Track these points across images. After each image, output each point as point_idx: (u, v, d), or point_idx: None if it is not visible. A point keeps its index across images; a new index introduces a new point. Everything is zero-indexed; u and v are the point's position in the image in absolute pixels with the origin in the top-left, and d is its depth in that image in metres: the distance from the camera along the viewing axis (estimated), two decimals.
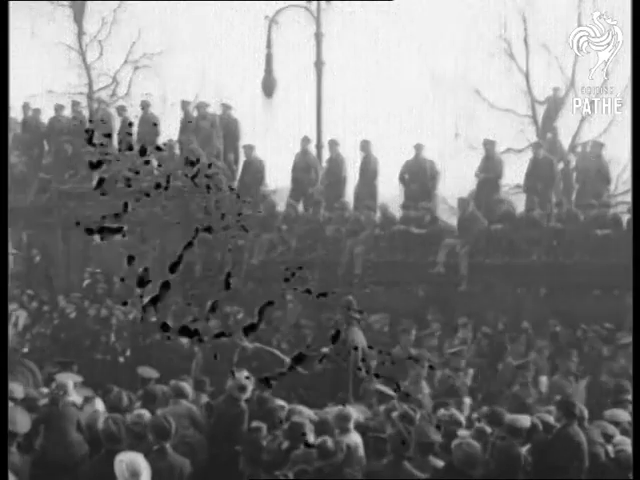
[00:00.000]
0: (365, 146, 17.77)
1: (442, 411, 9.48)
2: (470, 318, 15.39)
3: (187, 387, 9.90)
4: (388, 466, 7.77)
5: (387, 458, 7.86)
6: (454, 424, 9.00)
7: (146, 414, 8.74)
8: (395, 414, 8.81)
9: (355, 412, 8.91)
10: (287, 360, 11.91)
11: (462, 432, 8.79)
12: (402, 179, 17.61)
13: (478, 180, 17.22)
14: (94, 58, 26.20)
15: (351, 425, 8.54)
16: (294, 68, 20.42)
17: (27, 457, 8.11)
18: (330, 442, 8.08)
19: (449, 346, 13.93)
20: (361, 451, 8.34)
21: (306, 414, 9.20)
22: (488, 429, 8.68)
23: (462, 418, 9.22)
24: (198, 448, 9.12)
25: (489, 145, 17.42)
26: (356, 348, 11.43)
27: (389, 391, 10.09)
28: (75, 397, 9.43)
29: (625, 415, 9.46)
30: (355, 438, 8.38)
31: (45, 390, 10.17)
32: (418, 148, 17.40)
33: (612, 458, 8.45)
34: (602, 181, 16.90)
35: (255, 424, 8.98)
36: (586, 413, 9.09)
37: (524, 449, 8.55)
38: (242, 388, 9.32)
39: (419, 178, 17.36)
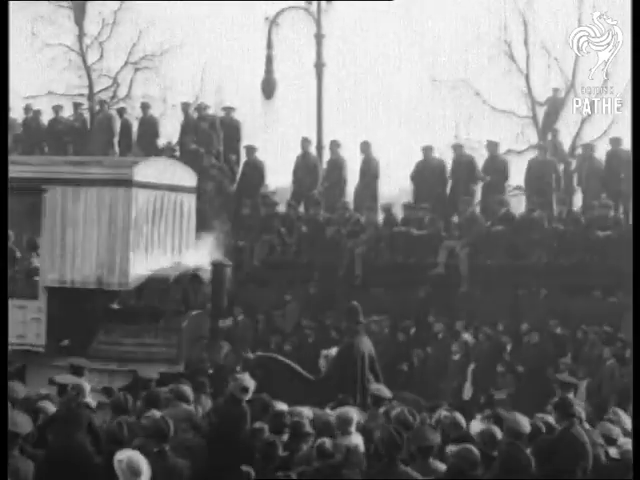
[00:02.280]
0: (365, 148, 17.77)
1: (444, 413, 9.44)
2: (471, 320, 15.42)
3: (188, 390, 9.86)
4: (382, 469, 7.73)
5: (382, 461, 7.83)
6: (456, 427, 8.95)
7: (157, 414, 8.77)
8: (393, 414, 8.80)
9: (357, 414, 8.86)
10: (291, 364, 11.89)
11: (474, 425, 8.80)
12: (413, 180, 17.61)
13: (483, 183, 17.21)
14: (94, 59, 26.16)
15: (353, 428, 8.48)
16: (294, 69, 20.44)
17: (30, 460, 8.07)
18: (328, 443, 8.07)
19: None
20: (361, 453, 8.28)
21: (305, 414, 9.19)
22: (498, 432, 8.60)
23: (463, 421, 9.16)
24: (198, 452, 9.10)
25: (492, 146, 17.42)
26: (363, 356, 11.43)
27: (384, 393, 10.01)
28: (90, 399, 9.41)
29: (626, 416, 9.44)
30: (356, 440, 8.32)
31: (44, 391, 10.10)
32: (427, 150, 17.39)
33: (616, 459, 8.41)
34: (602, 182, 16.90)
35: (258, 425, 8.97)
36: (583, 414, 9.09)
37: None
38: (244, 389, 9.32)
39: (429, 179, 17.36)
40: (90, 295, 13.29)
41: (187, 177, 14.59)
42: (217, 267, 13.14)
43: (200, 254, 13.56)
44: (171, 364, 12.82)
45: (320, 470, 7.77)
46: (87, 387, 9.38)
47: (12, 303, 12.99)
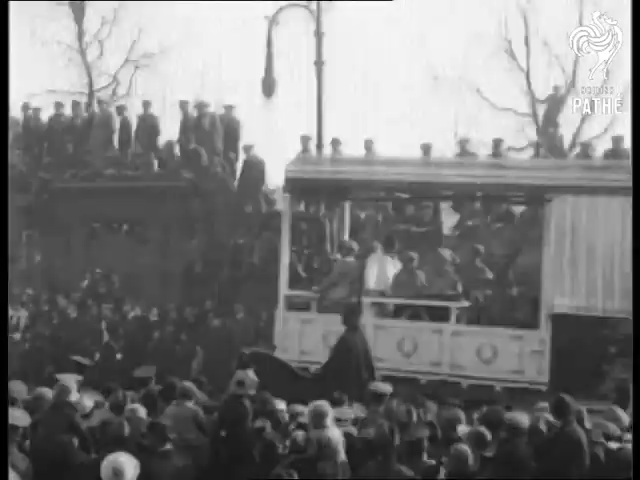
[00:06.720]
0: (369, 145, 17.75)
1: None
2: None
3: (194, 389, 9.85)
4: (377, 467, 7.73)
5: (376, 459, 7.84)
6: (453, 420, 8.97)
7: (140, 409, 8.82)
8: (393, 412, 8.82)
9: (330, 408, 8.76)
10: (286, 362, 11.87)
11: (461, 428, 8.78)
12: None
13: None
14: (94, 58, 26.25)
15: (327, 421, 8.30)
16: (294, 67, 20.45)
17: (28, 459, 8.14)
18: (300, 436, 8.16)
19: None
20: (338, 446, 8.22)
21: (298, 410, 9.22)
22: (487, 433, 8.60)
23: (461, 415, 9.17)
24: (203, 451, 9.11)
25: (497, 144, 17.39)
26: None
27: (383, 389, 10.00)
28: (76, 397, 9.41)
29: (623, 414, 9.44)
30: (331, 433, 8.24)
31: (44, 390, 10.12)
32: (425, 147, 17.37)
33: (615, 451, 8.43)
34: None
35: (259, 422, 8.99)
36: (585, 413, 9.08)
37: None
38: (240, 383, 9.34)
39: None
40: (599, 324, 11.66)
41: None
42: None
43: None
44: None
45: (294, 463, 7.77)
46: (73, 387, 9.35)
47: (506, 333, 11.82)
